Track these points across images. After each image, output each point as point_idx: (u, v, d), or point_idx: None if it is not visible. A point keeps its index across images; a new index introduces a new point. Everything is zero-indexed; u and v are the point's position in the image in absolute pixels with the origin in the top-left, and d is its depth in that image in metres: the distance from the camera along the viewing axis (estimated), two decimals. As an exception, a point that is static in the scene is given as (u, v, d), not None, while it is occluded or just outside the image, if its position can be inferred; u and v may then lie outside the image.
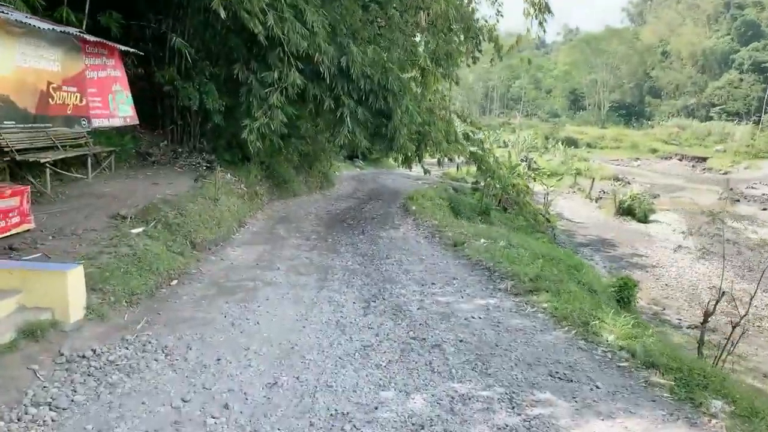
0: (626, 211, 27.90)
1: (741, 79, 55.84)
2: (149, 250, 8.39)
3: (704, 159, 46.22)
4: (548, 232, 24.05)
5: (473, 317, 7.17)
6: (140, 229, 9.11)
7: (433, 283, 8.66)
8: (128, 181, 12.11)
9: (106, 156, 12.69)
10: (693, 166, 45.05)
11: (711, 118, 54.01)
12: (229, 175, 14.50)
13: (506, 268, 8.98)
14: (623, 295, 10.40)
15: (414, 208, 15.54)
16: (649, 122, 57.87)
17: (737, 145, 45.68)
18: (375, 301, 7.74)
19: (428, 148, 15.39)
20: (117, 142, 13.68)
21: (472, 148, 18.45)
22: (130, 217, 9.43)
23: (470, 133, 19.04)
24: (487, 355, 6.00)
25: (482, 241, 10.85)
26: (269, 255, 10.23)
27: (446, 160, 21.54)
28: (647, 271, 21.30)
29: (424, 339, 6.40)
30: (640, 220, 27.54)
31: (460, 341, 6.37)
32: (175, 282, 8.14)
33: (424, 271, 9.41)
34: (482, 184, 29.71)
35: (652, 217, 27.83)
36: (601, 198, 32.39)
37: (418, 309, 7.46)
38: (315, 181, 21.32)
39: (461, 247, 10.66)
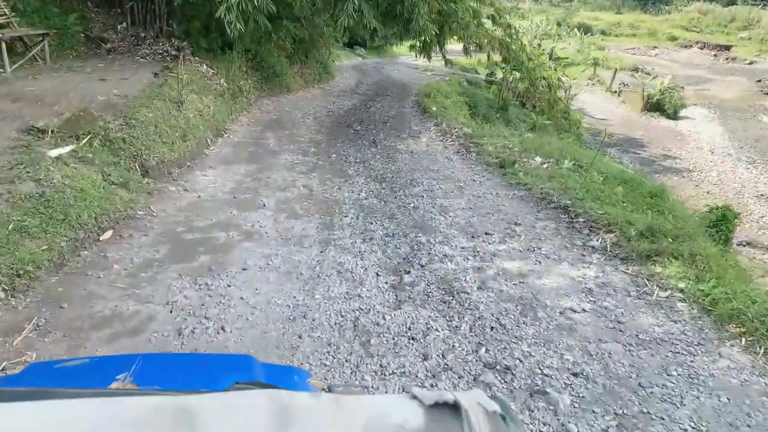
0: (654, 106, 24.58)
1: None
2: (71, 185, 5.42)
3: (728, 47, 41.93)
4: (573, 132, 21.02)
5: (573, 310, 4.33)
6: (64, 150, 6.05)
7: (487, 234, 5.77)
8: (67, 76, 8.85)
9: (37, 41, 9.35)
10: (715, 55, 40.82)
11: (734, 2, 48.89)
12: (205, 66, 11.23)
13: (592, 210, 6.04)
14: (721, 230, 7.68)
15: (434, 109, 12.36)
16: (667, 7, 52.35)
17: (764, 32, 41.25)
18: (409, 273, 4.89)
19: (452, 32, 12.00)
20: (57, 22, 10.23)
21: (499, 33, 14.92)
22: (52, 131, 6.35)
23: (496, 16, 15.42)
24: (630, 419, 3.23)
25: (538, 159, 7.90)
26: (253, 181, 7.27)
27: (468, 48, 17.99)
28: (684, 176, 18.44)
29: (509, 371, 3.58)
30: (669, 117, 24.27)
31: (575, 377, 3.56)
32: (107, 235, 5.25)
33: (470, 210, 6.51)
34: (499, 76, 26.18)
35: (682, 113, 24.58)
36: (622, 91, 28.87)
37: (479, 290, 4.62)
38: (312, 73, 17.87)
39: (512, 170, 7.69)
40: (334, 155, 8.90)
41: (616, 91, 29.06)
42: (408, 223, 6.04)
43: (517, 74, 20.61)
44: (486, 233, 5.76)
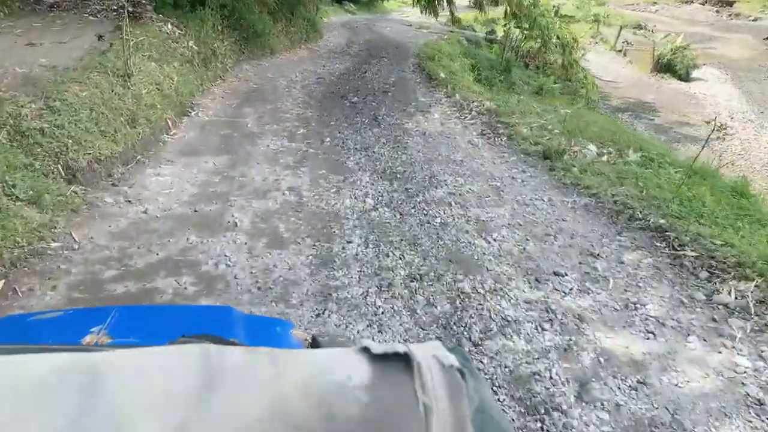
0: (665, 67, 22.55)
1: None
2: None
3: (730, 3, 39.60)
4: (584, 96, 19.11)
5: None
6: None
7: (557, 274, 3.91)
8: (-15, 38, 6.81)
9: (-52, -6, 7.21)
10: (717, 11, 38.52)
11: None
12: (170, 26, 9.10)
13: (703, 237, 4.09)
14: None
15: (442, 75, 10.36)
16: (664, -40, 49.77)
17: (769, -13, 39.00)
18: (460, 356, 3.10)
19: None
20: (-19, -30, 8.07)
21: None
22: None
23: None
24: None
25: (592, 148, 6.01)
26: (222, 182, 5.33)
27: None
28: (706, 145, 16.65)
29: None
30: (681, 78, 22.30)
31: None
32: (-3, 286, 3.41)
33: (519, 228, 4.62)
34: (499, 35, 23.92)
35: (693, 74, 22.61)
36: (627, 50, 26.74)
37: (580, 403, 2.74)
38: (298, 32, 15.63)
39: (562, 164, 5.79)
40: (328, 139, 6.95)
41: (620, 50, 26.97)
42: (438, 252, 4.17)
43: (518, 32, 18.61)
44: (555, 273, 3.90)
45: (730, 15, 37.24)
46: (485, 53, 20.13)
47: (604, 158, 5.76)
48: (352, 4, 27.67)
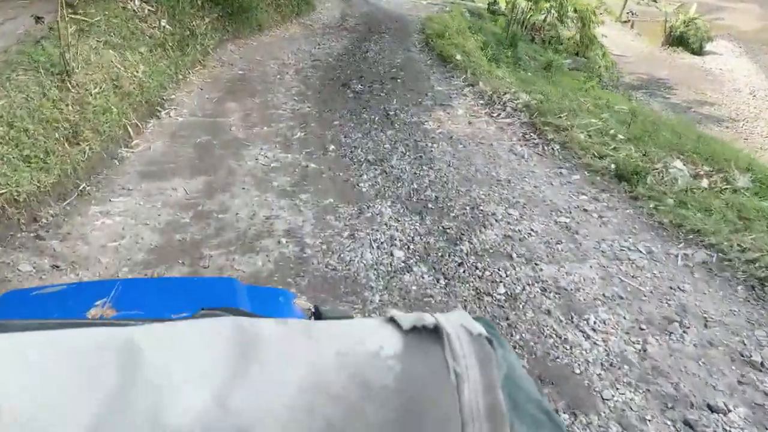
0: (677, 40, 20.88)
1: None
2: None
3: (733, -30, 37.70)
4: (595, 73, 17.58)
5: None
6: None
7: (714, 409, 2.41)
8: None
9: None
10: (719, -22, 36.69)
11: None
12: (137, 2, 7.43)
13: None
14: None
15: (458, 57, 8.72)
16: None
17: (772, -46, 36.88)
18: None
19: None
20: None
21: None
22: None
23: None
24: None
25: (680, 166, 4.41)
26: (194, 224, 3.76)
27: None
28: (727, 127, 15.16)
29: None
30: (694, 52, 20.65)
31: None
32: None
33: (622, 305, 3.11)
34: (502, 6, 22.09)
35: (707, 48, 20.97)
36: (633, 21, 24.99)
37: None
38: (289, 5, 13.85)
39: (647, 190, 4.18)
40: (332, 147, 5.39)
41: (626, 21, 25.26)
42: (523, 356, 2.72)
43: (524, 3, 17.02)
44: (708, 405, 2.44)
45: (734, -17, 35.38)
46: (490, 27, 18.41)
47: (704, 182, 4.27)
48: (344, -27, 25.58)
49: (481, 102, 6.77)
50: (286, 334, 0.55)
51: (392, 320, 0.56)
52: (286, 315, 1.40)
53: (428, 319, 0.55)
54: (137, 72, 5.95)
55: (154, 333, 0.53)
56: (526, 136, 5.60)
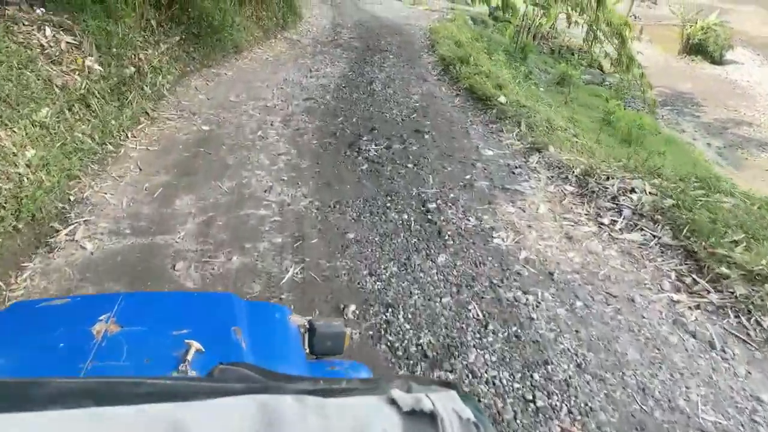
0: (695, 48, 18.65)
1: None
2: None
3: (728, -29, 35.56)
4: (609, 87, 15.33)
5: None
6: None
7: None
8: None
9: None
10: (716, -21, 34.48)
11: None
12: (48, 30, 4.89)
13: None
14: None
15: (502, 99, 6.26)
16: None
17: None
18: None
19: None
20: None
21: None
22: None
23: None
24: None
25: None
26: None
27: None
28: (772, 152, 13.01)
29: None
30: (714, 62, 18.47)
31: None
32: None
33: None
34: (506, 14, 19.59)
35: (727, 56, 18.78)
36: (641, 27, 22.73)
37: None
38: (272, 17, 11.30)
39: None
40: (353, 307, 2.96)
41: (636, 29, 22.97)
42: None
43: (533, 9, 14.73)
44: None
45: (732, -16, 33.26)
46: (498, 37, 16.00)
47: None
48: (331, -25, 22.94)
49: (570, 188, 4.31)
50: (304, 413, 0.64)
51: (393, 401, 0.67)
52: (281, 330, 1.52)
53: (426, 404, 0.66)
54: (21, 160, 3.45)
55: (197, 414, 0.62)
56: (688, 282, 3.18)
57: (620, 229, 3.62)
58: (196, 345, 1.18)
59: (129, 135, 4.91)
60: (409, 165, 4.89)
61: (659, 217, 3.55)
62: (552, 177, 4.50)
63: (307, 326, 1.52)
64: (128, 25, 5.94)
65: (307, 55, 9.64)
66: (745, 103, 15.50)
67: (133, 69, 5.65)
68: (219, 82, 7.16)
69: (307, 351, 1.54)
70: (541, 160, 4.79)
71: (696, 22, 18.60)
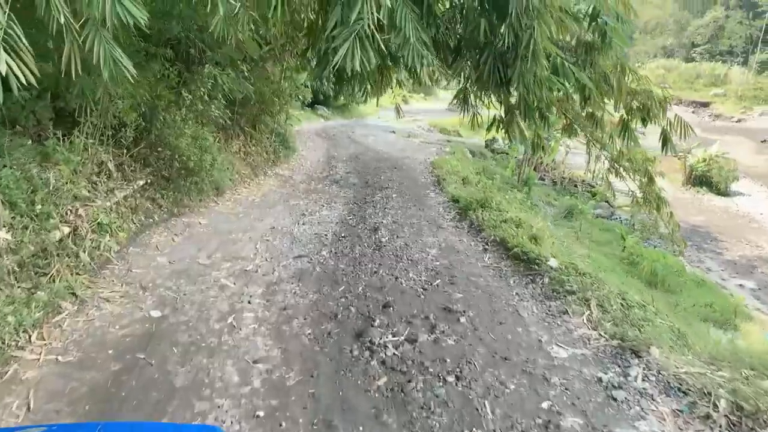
0: (699, 179, 17.96)
1: (727, 16, 44.98)
2: None
3: (705, 104, 36.48)
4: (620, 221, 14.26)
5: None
6: None
7: None
8: None
9: None
10: (693, 111, 34.99)
11: (693, 59, 43.93)
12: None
13: None
14: None
15: (573, 284, 4.66)
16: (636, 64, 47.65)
17: (741, 89, 35.96)
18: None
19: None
20: None
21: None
22: None
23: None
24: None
25: None
26: None
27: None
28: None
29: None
30: (720, 192, 17.69)
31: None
32: None
33: None
34: (501, 143, 19.04)
35: (732, 188, 18.03)
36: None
37: None
38: (262, 152, 10.16)
39: None
40: None
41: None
42: None
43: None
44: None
45: (711, 116, 34.08)
46: (499, 170, 15.11)
47: None
48: (325, 109, 22.80)
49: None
50: None
51: None
52: None
53: None
54: None
55: None
56: None
57: None
58: None
59: (33, 337, 3.25)
60: (449, 378, 3.22)
61: None
62: (678, 411, 2.83)
63: None
64: (71, 171, 4.51)
65: (300, 194, 8.33)
66: (765, 238, 14.31)
67: (66, 230, 4.13)
68: (189, 235, 5.66)
69: None
70: (647, 374, 3.14)
71: (691, 153, 18.01)
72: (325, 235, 6.17)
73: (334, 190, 8.84)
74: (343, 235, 6.22)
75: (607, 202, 15.74)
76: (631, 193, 8.72)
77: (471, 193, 7.73)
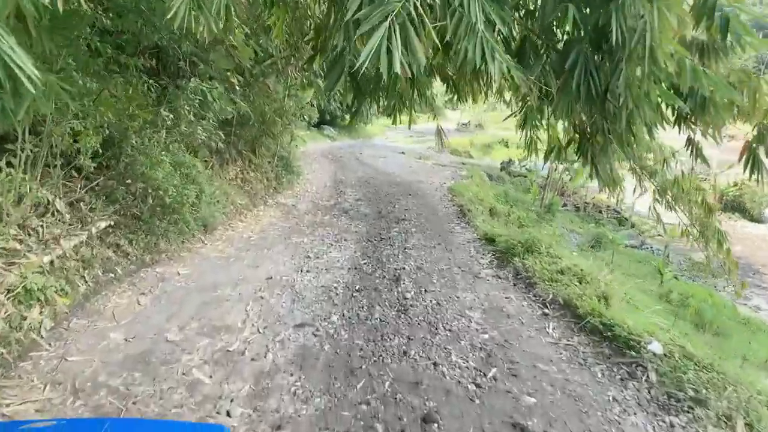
0: (731, 206, 16.56)
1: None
2: None
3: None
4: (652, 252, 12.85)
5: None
6: None
7: None
8: None
9: None
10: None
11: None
12: None
13: None
14: None
15: (654, 346, 3.38)
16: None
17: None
18: None
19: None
20: None
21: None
22: None
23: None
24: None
25: None
26: None
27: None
28: None
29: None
30: (754, 219, 16.26)
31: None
32: None
33: None
34: (518, 166, 17.72)
35: (766, 214, 16.60)
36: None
37: None
38: (262, 178, 8.83)
39: None
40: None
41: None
42: None
43: (562, 166, 12.83)
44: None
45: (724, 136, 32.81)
46: (520, 195, 13.75)
47: None
48: (331, 129, 21.58)
49: None
50: None
51: None
52: None
53: None
54: None
55: None
56: None
57: None
58: None
59: None
60: None
61: None
62: None
63: None
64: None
65: (305, 229, 6.98)
66: (815, 270, 12.83)
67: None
68: (161, 293, 4.28)
69: None
70: None
71: (715, 178, 16.57)
72: (335, 288, 4.81)
73: (343, 223, 7.50)
74: (357, 288, 4.86)
75: (636, 229, 14.34)
76: (682, 225, 7.24)
77: (509, 232, 6.35)
